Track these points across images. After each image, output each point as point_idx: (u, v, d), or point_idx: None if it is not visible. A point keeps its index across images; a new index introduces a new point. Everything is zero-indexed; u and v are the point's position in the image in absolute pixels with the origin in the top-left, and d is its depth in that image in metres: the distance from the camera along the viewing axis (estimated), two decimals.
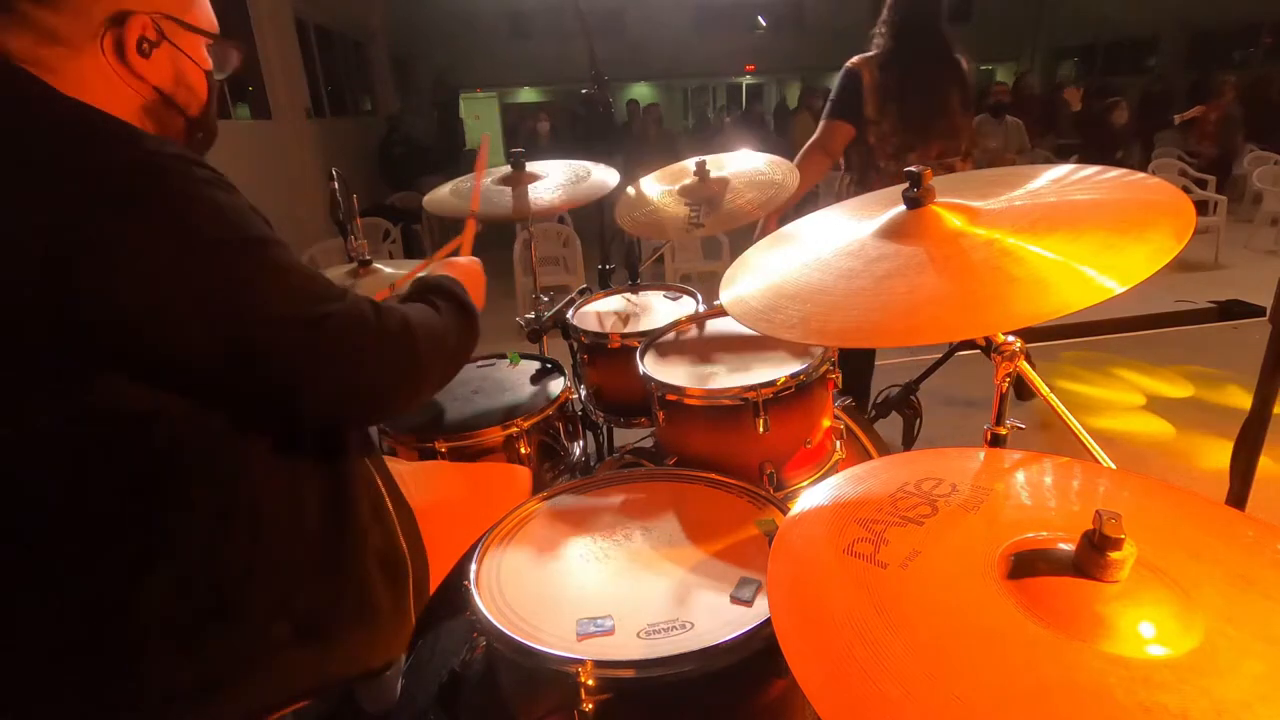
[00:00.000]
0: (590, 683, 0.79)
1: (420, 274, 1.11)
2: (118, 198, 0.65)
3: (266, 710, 0.85)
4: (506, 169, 1.97)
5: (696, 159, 1.85)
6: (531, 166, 1.97)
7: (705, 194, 1.78)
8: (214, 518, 0.77)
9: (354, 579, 0.91)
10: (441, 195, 1.94)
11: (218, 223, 0.70)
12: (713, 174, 1.82)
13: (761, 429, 1.28)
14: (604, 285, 2.18)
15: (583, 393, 1.81)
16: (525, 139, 7.92)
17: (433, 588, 1.06)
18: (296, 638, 0.85)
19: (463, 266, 1.17)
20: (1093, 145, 5.97)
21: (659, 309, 1.86)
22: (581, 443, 1.79)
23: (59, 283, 0.63)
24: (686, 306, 1.86)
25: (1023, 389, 1.26)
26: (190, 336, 0.68)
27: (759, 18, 18.76)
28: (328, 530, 0.88)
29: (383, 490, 1.00)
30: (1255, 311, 4.27)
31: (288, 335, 0.74)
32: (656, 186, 1.90)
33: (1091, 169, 1.02)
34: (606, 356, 1.69)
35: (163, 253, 0.66)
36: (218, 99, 0.89)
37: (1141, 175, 0.96)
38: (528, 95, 19.69)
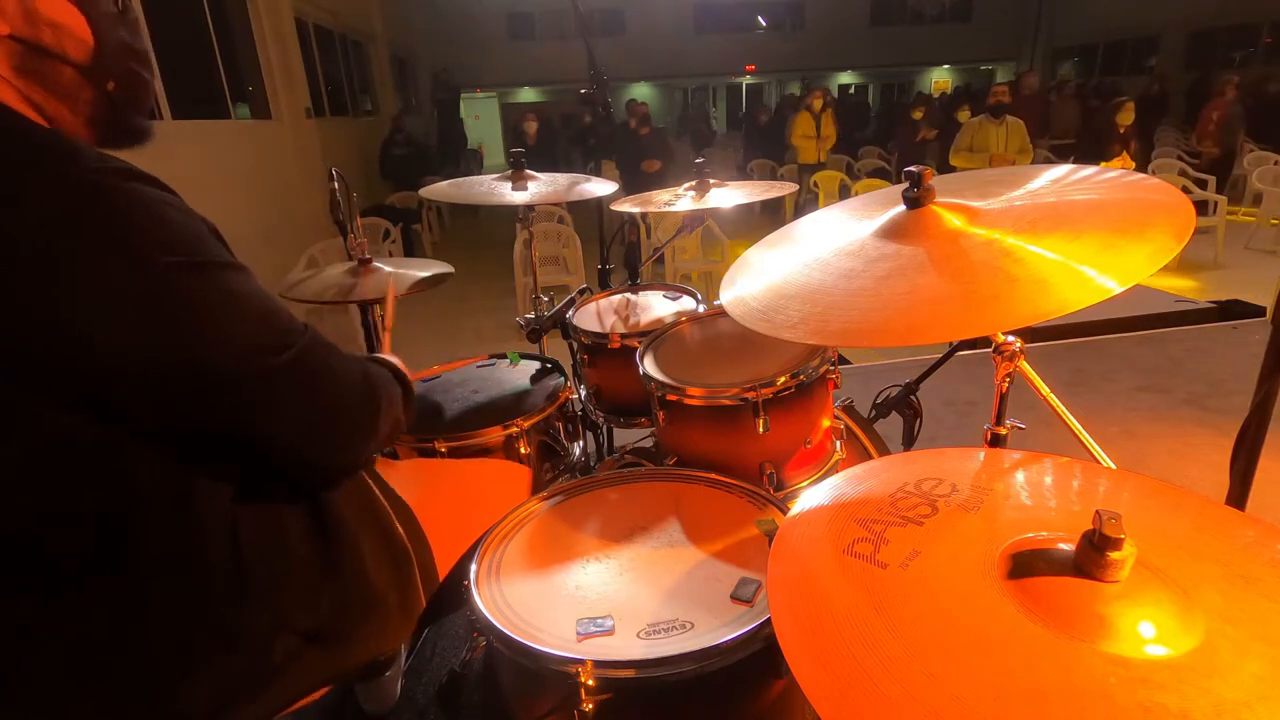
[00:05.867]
0: (590, 683, 0.79)
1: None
2: (60, 223, 0.60)
3: (283, 708, 0.86)
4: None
5: None
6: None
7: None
8: (193, 548, 0.75)
9: (355, 584, 0.91)
10: (440, 187, 1.95)
11: (167, 245, 0.65)
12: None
13: (761, 429, 1.28)
14: (604, 285, 2.18)
15: (583, 393, 1.81)
16: (513, 139, 7.96)
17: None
18: (308, 646, 0.86)
19: (391, 359, 1.10)
20: (1092, 146, 5.95)
21: (659, 309, 1.86)
22: (581, 443, 1.79)
23: (6, 312, 0.59)
24: (686, 306, 1.86)
25: None
26: (140, 366, 0.63)
27: (759, 18, 18.78)
28: (315, 544, 0.87)
29: (371, 487, 1.00)
30: (1255, 311, 4.27)
31: (244, 366, 0.69)
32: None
33: (1091, 169, 1.02)
34: (606, 356, 1.69)
35: (109, 278, 0.61)
36: (129, 37, 0.77)
37: (1141, 175, 0.97)
38: (527, 95, 19.70)
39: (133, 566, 0.71)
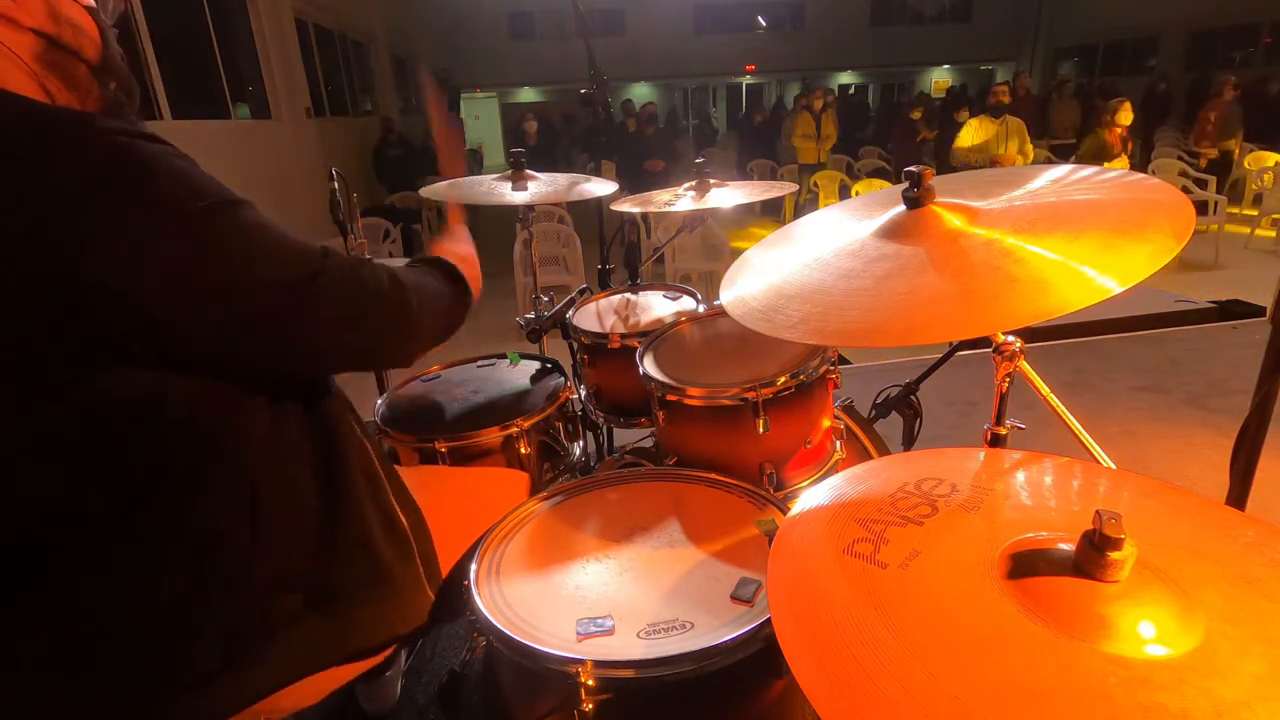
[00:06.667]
0: (590, 683, 0.79)
1: (427, 255, 1.12)
2: (88, 184, 0.64)
3: (290, 680, 0.87)
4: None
5: None
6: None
7: None
8: (212, 499, 0.78)
9: (358, 546, 0.93)
10: (439, 187, 1.95)
11: (186, 190, 0.70)
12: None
13: (761, 429, 1.28)
14: (604, 285, 2.18)
15: (583, 393, 1.81)
16: (513, 139, 8.05)
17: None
18: (310, 609, 0.87)
19: (459, 251, 1.18)
20: (1091, 147, 5.94)
21: (659, 309, 1.86)
22: (581, 443, 1.79)
23: (49, 274, 0.63)
24: (686, 306, 1.86)
25: None
26: (184, 307, 0.69)
27: (759, 18, 18.78)
28: (324, 501, 0.90)
29: (376, 464, 1.01)
30: (1255, 311, 4.27)
31: (279, 299, 0.75)
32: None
33: (1091, 169, 1.02)
34: (606, 356, 1.69)
35: (141, 227, 0.66)
36: (118, 45, 0.84)
37: (1141, 175, 0.97)
38: (527, 95, 19.69)
39: (154, 522, 0.74)
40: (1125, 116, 5.67)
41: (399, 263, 1.52)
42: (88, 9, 0.79)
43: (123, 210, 0.65)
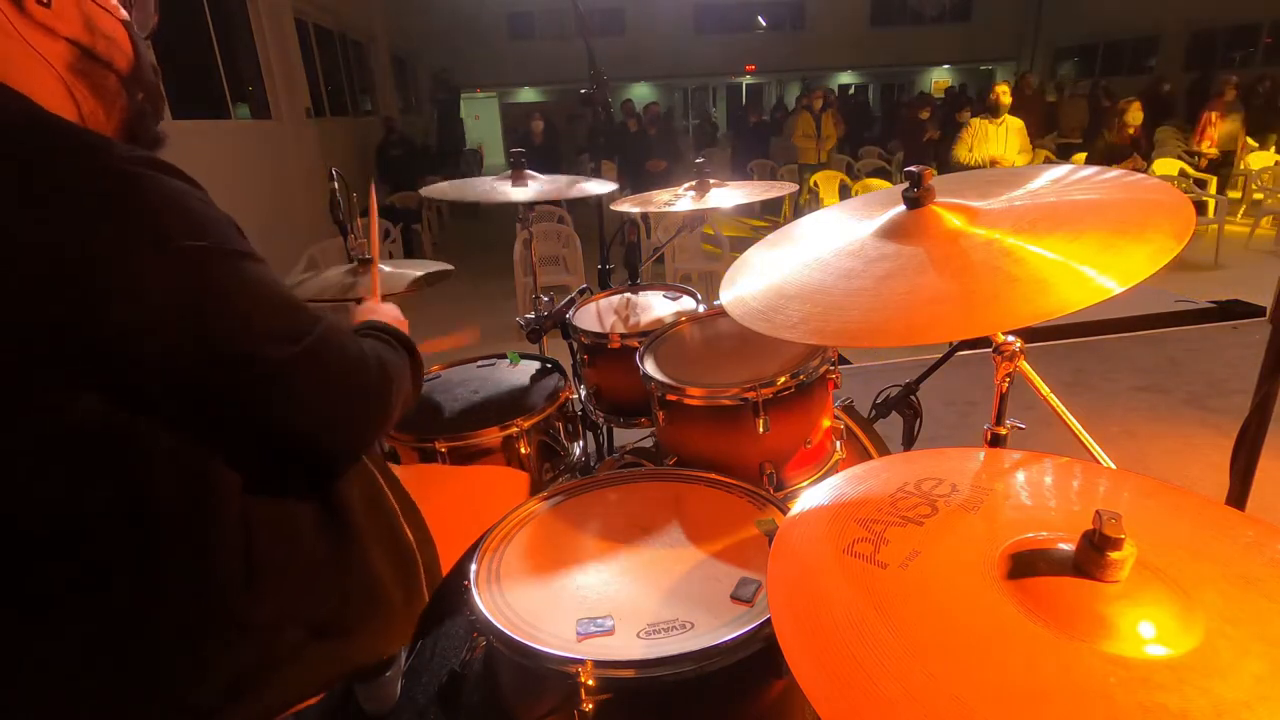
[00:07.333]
0: (590, 683, 0.79)
1: (364, 320, 1.07)
2: (92, 209, 0.63)
3: (291, 705, 0.87)
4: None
5: None
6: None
7: None
8: (206, 538, 0.76)
9: (360, 578, 0.92)
10: (440, 186, 1.95)
11: (190, 231, 0.68)
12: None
13: (761, 429, 1.28)
14: (604, 285, 2.18)
15: (583, 393, 1.81)
16: (514, 139, 8.04)
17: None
18: (313, 639, 0.86)
19: (391, 314, 1.16)
20: (1103, 148, 5.92)
21: (659, 309, 1.86)
22: (581, 443, 1.79)
23: (49, 275, 0.62)
24: (686, 306, 1.86)
25: None
26: (160, 347, 0.66)
27: (759, 18, 18.78)
28: (323, 537, 0.88)
29: (381, 483, 1.01)
30: (1255, 311, 4.27)
31: (268, 352, 0.72)
32: None
33: (1091, 169, 1.02)
34: (606, 356, 1.69)
35: (133, 260, 0.64)
36: (152, 56, 0.84)
37: (1141, 175, 0.97)
38: (528, 95, 19.68)
39: (149, 555, 0.73)
40: (1135, 116, 5.66)
41: (400, 268, 1.52)
42: (122, 22, 0.79)
43: (118, 240, 0.64)
